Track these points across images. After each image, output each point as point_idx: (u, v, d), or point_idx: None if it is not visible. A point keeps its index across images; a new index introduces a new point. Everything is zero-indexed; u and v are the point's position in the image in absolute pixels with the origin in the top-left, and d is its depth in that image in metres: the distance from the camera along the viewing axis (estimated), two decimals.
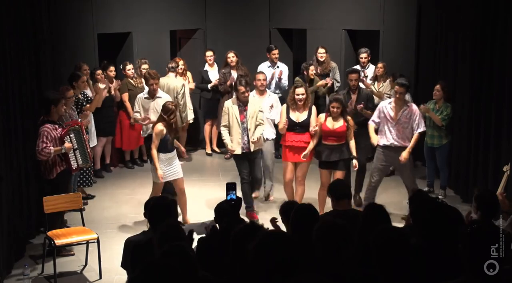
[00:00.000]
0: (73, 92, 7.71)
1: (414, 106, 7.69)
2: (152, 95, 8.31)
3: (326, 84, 9.67)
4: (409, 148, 7.55)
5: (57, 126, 6.75)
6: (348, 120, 7.45)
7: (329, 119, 7.44)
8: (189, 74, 10.19)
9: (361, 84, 9.63)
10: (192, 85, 10.24)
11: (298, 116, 7.56)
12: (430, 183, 8.78)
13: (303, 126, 7.53)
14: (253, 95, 7.97)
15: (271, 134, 8.15)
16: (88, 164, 7.40)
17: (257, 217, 7.74)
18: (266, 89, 8.38)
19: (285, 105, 7.72)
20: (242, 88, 7.58)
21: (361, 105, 7.93)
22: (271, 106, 8.13)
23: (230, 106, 7.68)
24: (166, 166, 7.39)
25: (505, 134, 7.29)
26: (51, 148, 6.55)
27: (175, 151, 7.53)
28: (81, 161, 7.03)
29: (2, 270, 6.07)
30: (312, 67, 9.67)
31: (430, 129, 8.31)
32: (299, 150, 7.56)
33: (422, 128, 7.62)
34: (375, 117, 7.77)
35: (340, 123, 7.41)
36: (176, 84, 9.45)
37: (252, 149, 7.65)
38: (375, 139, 7.73)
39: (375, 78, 9.48)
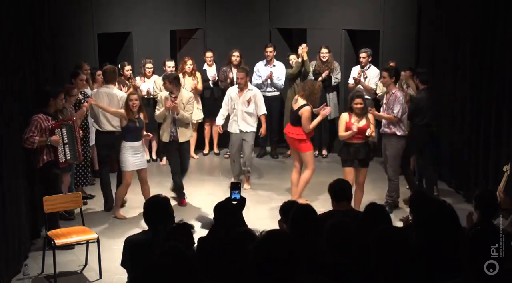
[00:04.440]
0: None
1: (398, 93, 7.79)
2: None
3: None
4: (376, 113, 7.72)
5: (50, 118, 6.85)
6: (370, 118, 7.48)
7: (353, 117, 7.42)
8: (198, 74, 10.20)
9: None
10: (200, 85, 10.24)
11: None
12: (419, 177, 8.66)
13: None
14: (235, 90, 8.76)
15: (250, 127, 8.71)
16: (77, 161, 7.43)
17: (185, 202, 8.19)
18: (248, 83, 8.87)
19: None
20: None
21: None
22: (248, 101, 8.62)
23: (163, 95, 8.16)
24: (131, 155, 7.59)
25: (505, 134, 7.29)
26: (36, 137, 6.65)
27: (141, 141, 7.76)
28: (70, 156, 7.10)
29: (6, 270, 6.08)
30: (292, 57, 10.03)
31: None
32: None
33: (395, 111, 7.68)
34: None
35: (363, 121, 7.40)
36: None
37: (180, 140, 8.14)
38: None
39: None
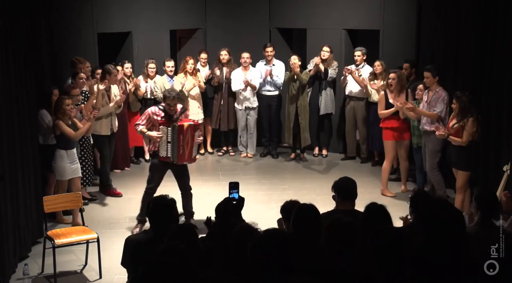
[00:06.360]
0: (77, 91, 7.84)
1: (443, 92, 7.91)
2: None
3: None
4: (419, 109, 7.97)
5: (162, 113, 7.23)
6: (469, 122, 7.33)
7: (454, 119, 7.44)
8: (199, 74, 10.23)
9: (350, 78, 9.70)
10: (202, 84, 10.29)
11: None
12: (420, 185, 8.64)
13: None
14: (238, 70, 10.22)
15: (253, 104, 10.34)
16: (176, 161, 7.37)
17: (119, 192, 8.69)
18: (250, 66, 10.25)
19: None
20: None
21: None
22: (250, 80, 10.13)
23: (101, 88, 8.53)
24: (68, 163, 7.40)
25: (505, 134, 7.28)
26: (141, 126, 7.26)
27: (75, 148, 7.58)
28: (170, 155, 7.28)
29: (7, 269, 6.08)
30: (293, 58, 9.85)
31: (415, 129, 8.41)
32: None
33: (437, 109, 7.82)
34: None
35: (455, 122, 7.40)
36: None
37: (114, 131, 8.79)
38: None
39: (375, 76, 9.52)
